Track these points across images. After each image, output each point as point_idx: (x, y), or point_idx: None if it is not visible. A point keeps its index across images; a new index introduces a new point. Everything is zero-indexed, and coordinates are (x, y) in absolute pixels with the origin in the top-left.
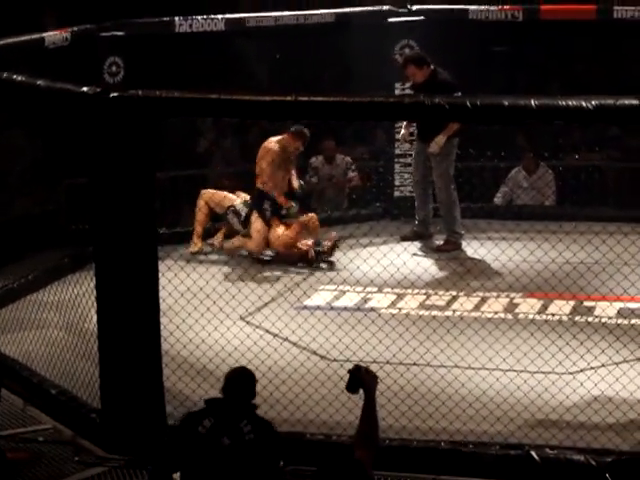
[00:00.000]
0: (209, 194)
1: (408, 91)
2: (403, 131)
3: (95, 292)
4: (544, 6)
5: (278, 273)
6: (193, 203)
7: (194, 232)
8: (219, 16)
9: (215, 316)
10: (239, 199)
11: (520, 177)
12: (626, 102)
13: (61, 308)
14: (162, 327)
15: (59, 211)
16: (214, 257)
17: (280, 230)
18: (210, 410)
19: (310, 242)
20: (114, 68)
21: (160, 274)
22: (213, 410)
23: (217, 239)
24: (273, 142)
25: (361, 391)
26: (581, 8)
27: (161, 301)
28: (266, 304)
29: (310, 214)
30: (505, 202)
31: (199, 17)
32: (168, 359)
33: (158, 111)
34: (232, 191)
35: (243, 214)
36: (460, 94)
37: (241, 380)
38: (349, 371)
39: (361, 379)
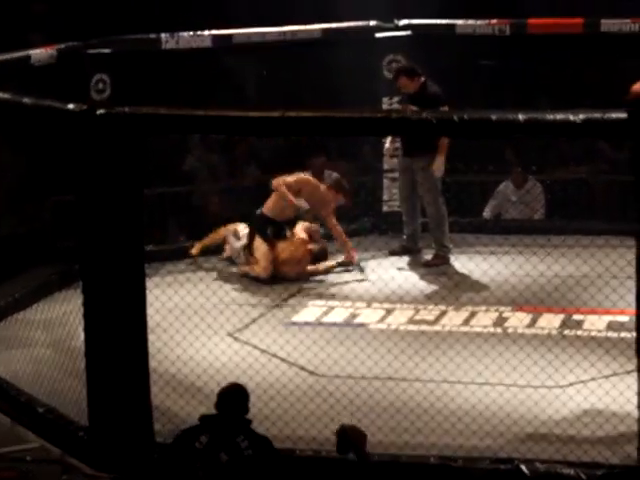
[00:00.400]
0: (229, 228)
1: (396, 105)
2: (387, 145)
3: (82, 310)
4: (532, 20)
5: (266, 289)
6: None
7: (202, 240)
8: (206, 32)
9: (203, 333)
10: (242, 225)
11: (508, 191)
12: (613, 116)
13: (48, 326)
14: (150, 344)
15: (46, 229)
16: (201, 274)
17: (284, 244)
18: (205, 426)
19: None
20: (101, 85)
21: (147, 291)
22: (208, 426)
23: (195, 248)
24: (319, 185)
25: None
26: (568, 22)
27: (148, 318)
28: (254, 320)
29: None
30: (493, 216)
31: (185, 34)
32: (156, 376)
33: (145, 128)
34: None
35: (243, 237)
36: (447, 108)
37: (234, 396)
38: (336, 433)
39: (349, 439)
